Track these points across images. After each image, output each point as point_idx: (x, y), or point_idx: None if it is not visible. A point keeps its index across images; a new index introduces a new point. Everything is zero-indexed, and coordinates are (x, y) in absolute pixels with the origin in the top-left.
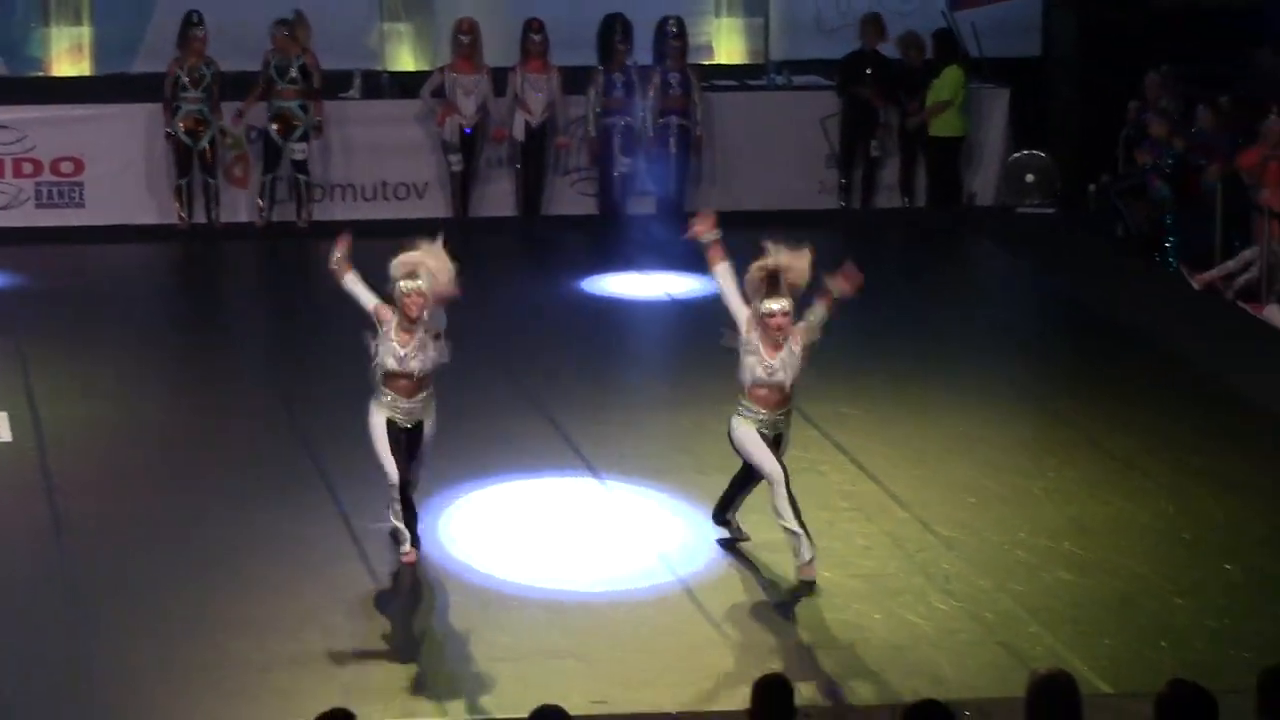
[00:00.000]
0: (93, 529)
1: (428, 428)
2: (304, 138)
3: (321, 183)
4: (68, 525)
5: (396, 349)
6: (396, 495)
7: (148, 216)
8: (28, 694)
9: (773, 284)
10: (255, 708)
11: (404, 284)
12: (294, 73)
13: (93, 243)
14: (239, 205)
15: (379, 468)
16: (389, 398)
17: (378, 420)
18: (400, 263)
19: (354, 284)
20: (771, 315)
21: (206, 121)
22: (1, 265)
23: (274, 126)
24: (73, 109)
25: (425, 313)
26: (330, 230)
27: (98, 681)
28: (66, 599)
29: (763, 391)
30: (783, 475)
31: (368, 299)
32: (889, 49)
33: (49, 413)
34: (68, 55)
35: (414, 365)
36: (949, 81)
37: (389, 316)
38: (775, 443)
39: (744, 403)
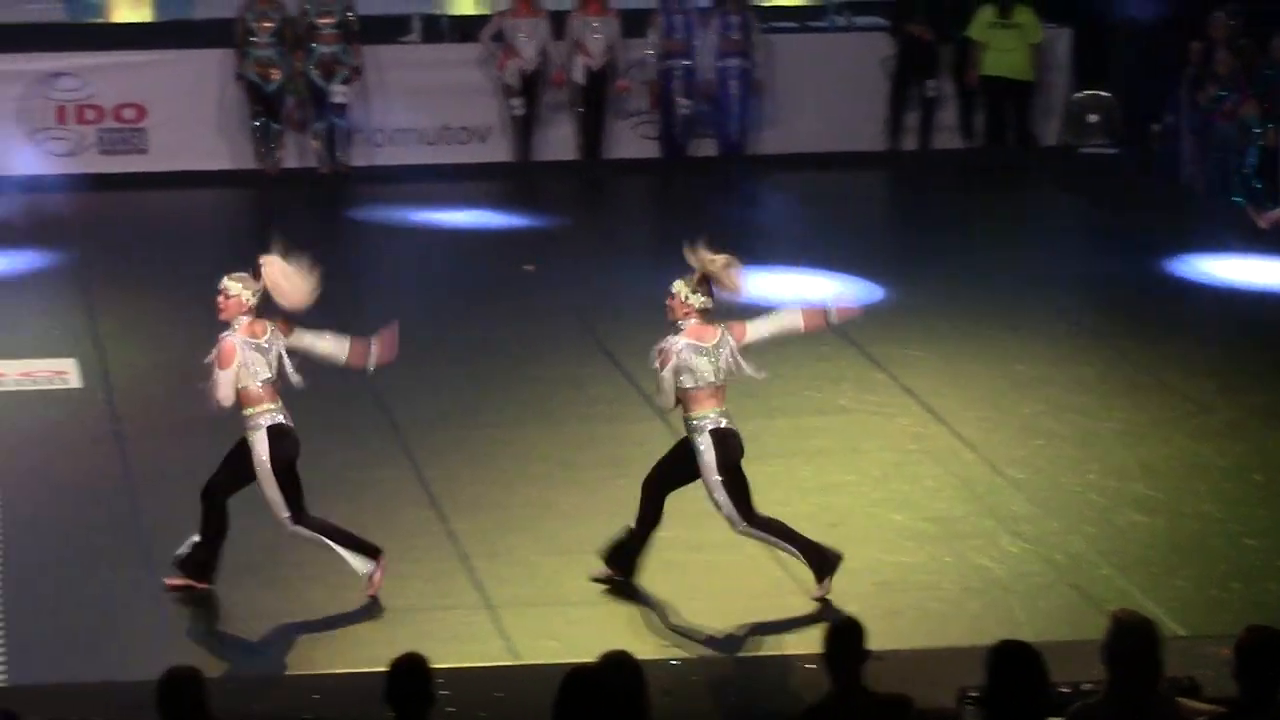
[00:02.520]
0: (162, 475)
1: None
2: (345, 81)
3: (382, 127)
4: (137, 471)
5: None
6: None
7: (211, 162)
8: (103, 639)
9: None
10: (330, 655)
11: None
12: (338, 16)
13: (155, 188)
14: (300, 150)
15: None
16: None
17: None
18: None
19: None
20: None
21: (277, 66)
22: (67, 212)
23: (316, 71)
24: (134, 55)
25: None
26: (389, 175)
27: (170, 627)
28: (137, 546)
29: None
30: None
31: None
32: None
33: (117, 359)
34: (128, 2)
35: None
36: (974, 23)
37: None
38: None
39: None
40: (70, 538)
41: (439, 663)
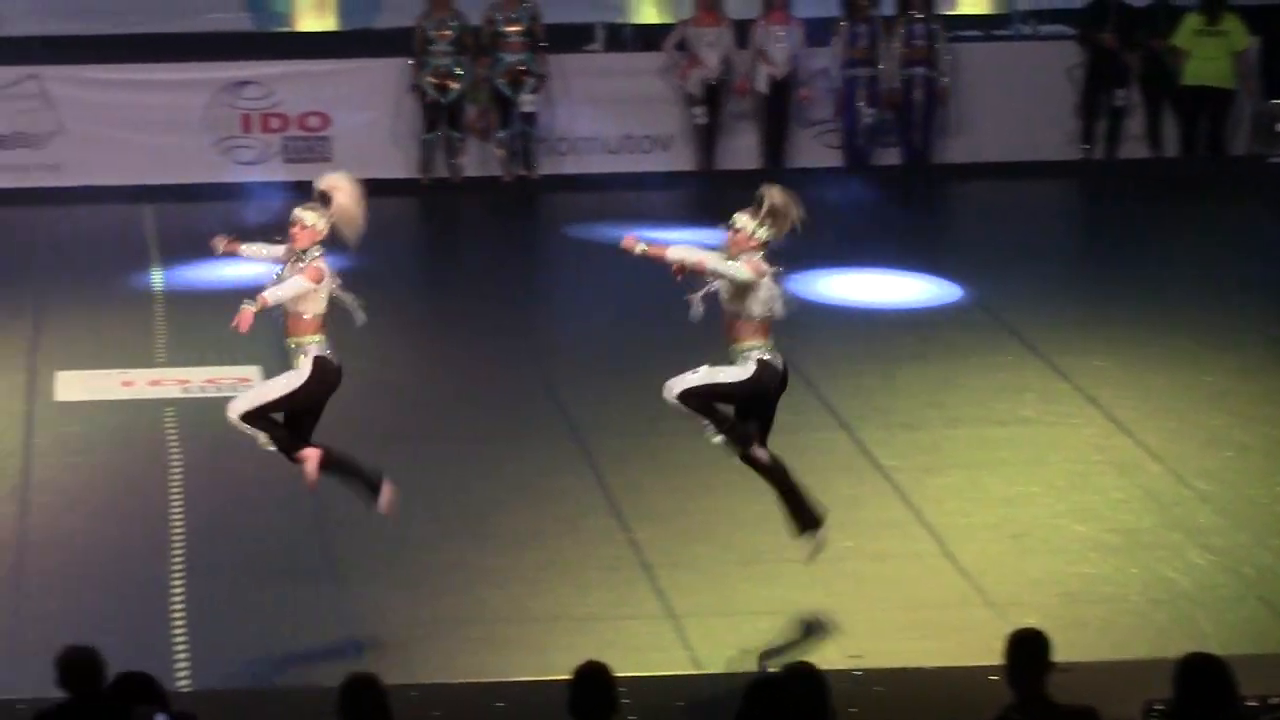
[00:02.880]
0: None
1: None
2: (533, 90)
3: (566, 135)
4: (324, 480)
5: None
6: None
7: (393, 170)
8: (283, 644)
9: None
10: (511, 662)
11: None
12: (525, 24)
13: None
14: (483, 159)
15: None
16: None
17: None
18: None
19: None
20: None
21: (455, 75)
22: (251, 220)
23: (503, 79)
24: (318, 64)
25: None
26: (572, 183)
27: (357, 634)
28: (319, 552)
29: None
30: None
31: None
32: None
33: None
34: (313, 10)
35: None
36: (1180, 30)
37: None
38: None
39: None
40: (253, 543)
41: (621, 671)
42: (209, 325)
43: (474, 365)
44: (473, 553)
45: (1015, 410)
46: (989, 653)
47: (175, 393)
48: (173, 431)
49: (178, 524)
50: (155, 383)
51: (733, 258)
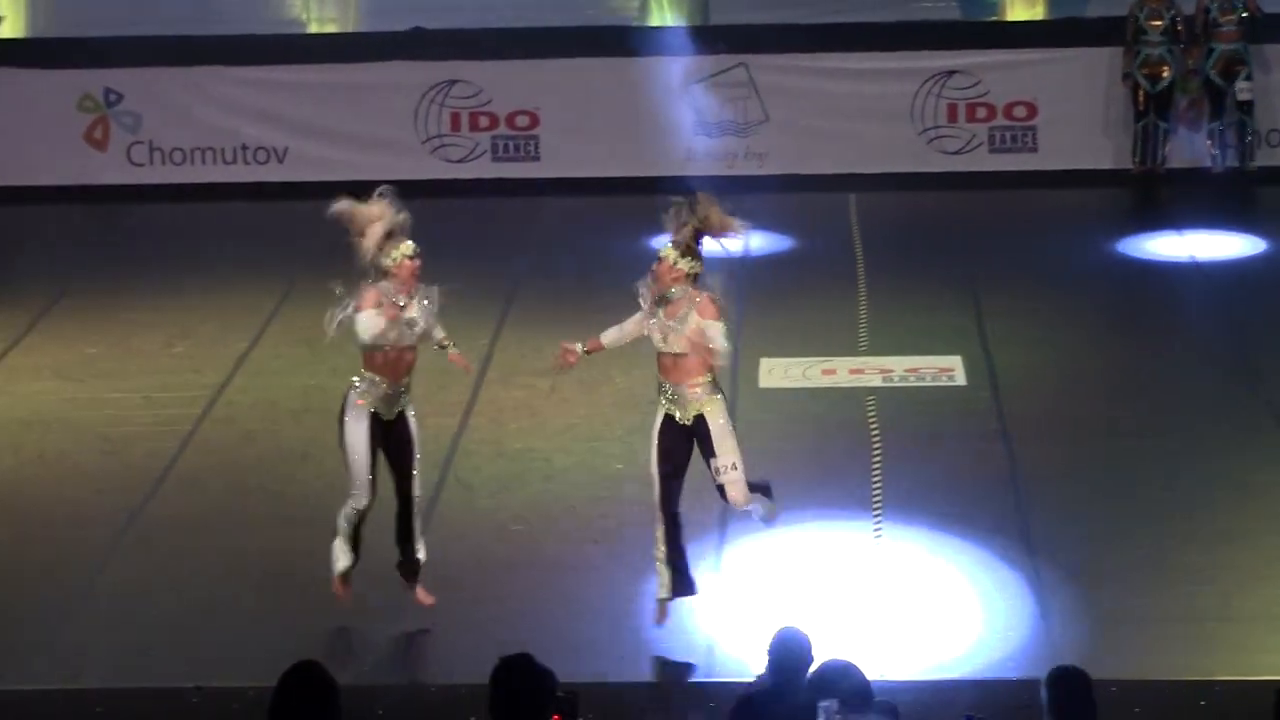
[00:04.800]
0: (1048, 475)
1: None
2: (1248, 78)
3: (1277, 127)
4: (1022, 470)
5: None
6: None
7: (1098, 160)
8: (989, 638)
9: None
10: (1216, 660)
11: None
12: (1239, 13)
13: (1044, 187)
14: (1191, 149)
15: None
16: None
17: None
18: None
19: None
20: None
21: (1167, 64)
22: (951, 211)
23: (1214, 70)
24: (1025, 53)
25: None
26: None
27: (1054, 626)
28: (1025, 543)
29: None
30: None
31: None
32: None
33: (1001, 358)
34: (1021, 0)
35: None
36: None
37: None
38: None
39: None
40: (952, 533)
41: None
42: (911, 314)
43: (1178, 358)
44: (1177, 548)
45: None
46: None
47: (876, 382)
48: (874, 420)
49: (878, 511)
50: (857, 371)
51: (661, 292)
